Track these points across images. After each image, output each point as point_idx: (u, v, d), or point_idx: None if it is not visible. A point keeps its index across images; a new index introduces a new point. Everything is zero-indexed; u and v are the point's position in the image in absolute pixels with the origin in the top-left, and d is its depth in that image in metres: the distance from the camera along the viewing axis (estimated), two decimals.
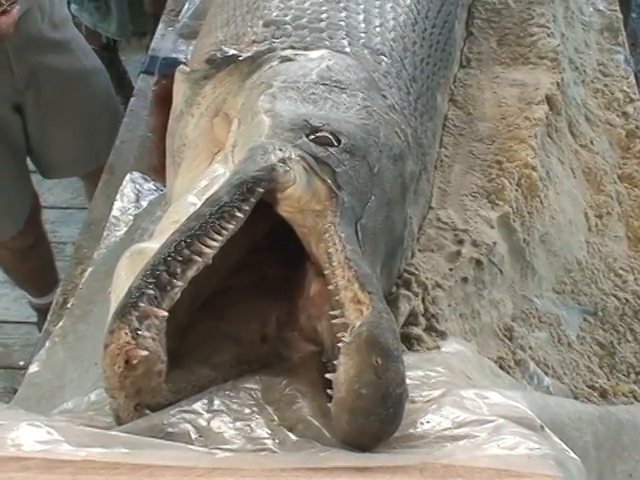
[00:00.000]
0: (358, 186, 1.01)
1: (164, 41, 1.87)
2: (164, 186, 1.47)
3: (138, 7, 3.00)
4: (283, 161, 0.96)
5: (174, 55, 1.80)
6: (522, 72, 1.57)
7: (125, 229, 1.47)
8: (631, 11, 3.13)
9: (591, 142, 1.56)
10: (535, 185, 1.35)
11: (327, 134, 1.03)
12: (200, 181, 1.07)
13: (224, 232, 0.90)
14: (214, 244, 0.89)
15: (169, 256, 0.86)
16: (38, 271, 2.52)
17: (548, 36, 1.64)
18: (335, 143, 1.02)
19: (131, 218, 1.49)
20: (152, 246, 0.92)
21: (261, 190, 0.93)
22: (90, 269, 1.41)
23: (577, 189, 1.47)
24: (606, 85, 1.71)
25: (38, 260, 2.46)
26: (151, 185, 1.56)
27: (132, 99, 1.78)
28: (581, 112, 1.60)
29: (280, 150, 0.98)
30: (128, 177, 1.56)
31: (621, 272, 1.40)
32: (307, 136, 1.02)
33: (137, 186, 1.55)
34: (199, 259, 0.87)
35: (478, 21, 1.69)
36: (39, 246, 2.41)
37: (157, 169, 1.55)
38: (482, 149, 1.41)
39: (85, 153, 2.18)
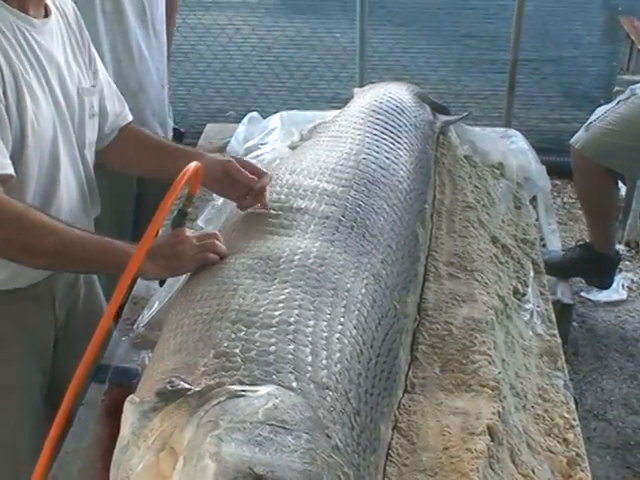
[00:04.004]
0: None
1: (117, 349, 1.91)
2: None
3: None
4: None
5: (126, 364, 1.83)
6: (464, 400, 1.62)
7: None
8: (572, 320, 3.27)
9: (532, 471, 1.57)
10: None
11: None
12: None
13: None
14: None
15: None
16: None
17: (489, 363, 1.70)
18: None
19: None
20: None
21: None
22: None
23: None
24: (546, 410, 1.76)
25: None
26: None
27: (81, 407, 1.77)
28: (522, 439, 1.63)
29: None
30: None
31: None
32: None
33: None
34: None
35: (423, 346, 1.76)
36: None
37: None
38: None
39: None
